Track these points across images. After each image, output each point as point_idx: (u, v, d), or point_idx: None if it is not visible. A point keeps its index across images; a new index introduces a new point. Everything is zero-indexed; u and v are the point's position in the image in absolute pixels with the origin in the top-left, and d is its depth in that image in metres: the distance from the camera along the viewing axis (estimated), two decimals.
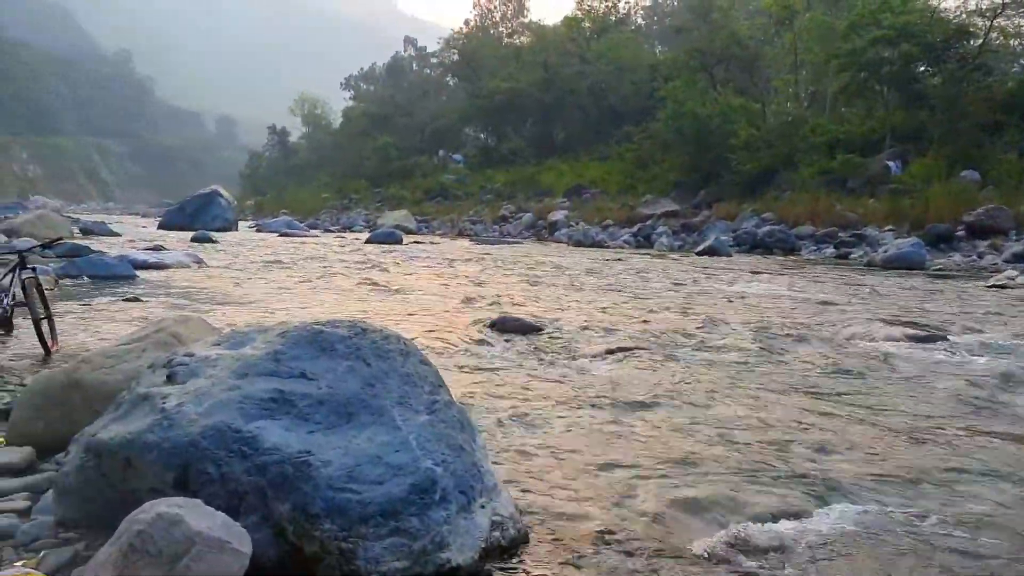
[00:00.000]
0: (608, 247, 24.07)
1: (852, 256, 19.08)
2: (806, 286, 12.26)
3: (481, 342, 6.79)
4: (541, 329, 7.43)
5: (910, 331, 7.35)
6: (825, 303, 10.00)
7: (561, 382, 5.28)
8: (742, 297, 10.65)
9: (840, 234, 21.24)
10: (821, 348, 6.77)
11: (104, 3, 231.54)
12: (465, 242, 26.77)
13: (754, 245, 22.00)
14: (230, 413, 2.55)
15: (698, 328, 7.75)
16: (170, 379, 2.84)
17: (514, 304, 9.48)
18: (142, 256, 14.36)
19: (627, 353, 6.32)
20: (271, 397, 2.65)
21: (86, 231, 24.92)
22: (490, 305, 9.32)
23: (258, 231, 32.40)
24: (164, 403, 2.63)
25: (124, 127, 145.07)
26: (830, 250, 20.44)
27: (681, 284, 12.44)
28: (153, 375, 2.92)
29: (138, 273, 12.33)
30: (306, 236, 28.97)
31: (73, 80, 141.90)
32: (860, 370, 5.83)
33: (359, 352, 2.90)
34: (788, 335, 7.38)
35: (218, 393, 2.64)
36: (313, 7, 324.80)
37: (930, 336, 7.17)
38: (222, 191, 34.15)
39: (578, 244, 25.11)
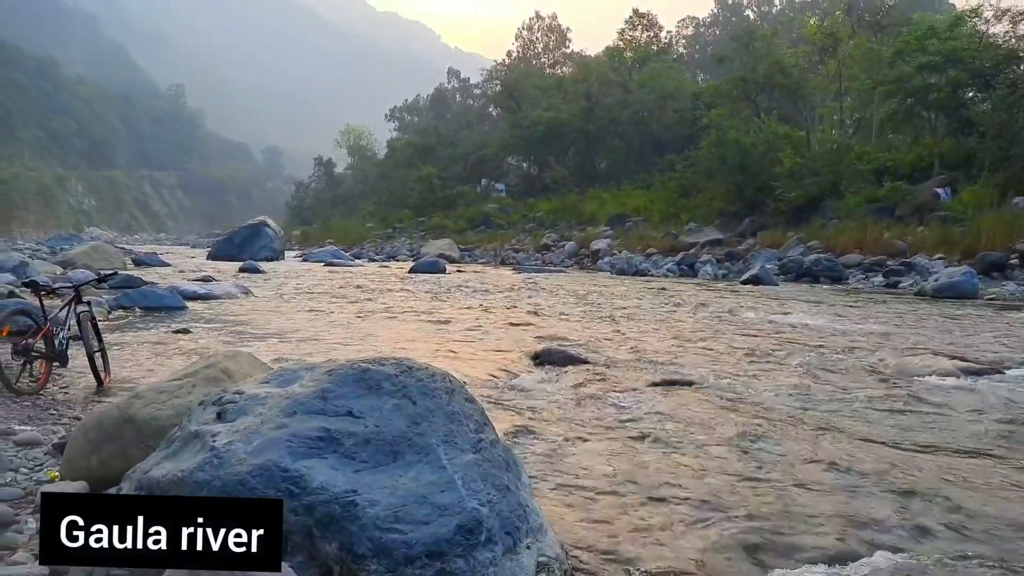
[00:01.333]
0: (651, 276, 23.93)
1: (901, 285, 18.70)
2: (855, 316, 12.04)
3: (525, 375, 6.78)
4: (586, 361, 7.40)
5: (964, 364, 7.17)
6: (875, 334, 9.81)
7: (607, 417, 5.24)
8: (789, 328, 10.49)
9: (889, 263, 20.85)
10: (872, 383, 6.63)
11: (158, 40, 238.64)
12: (508, 271, 26.83)
13: (800, 274, 21.68)
14: (278, 452, 2.58)
15: (745, 361, 7.65)
16: (220, 417, 2.89)
17: (558, 335, 9.46)
18: (192, 287, 14.63)
19: (674, 387, 6.26)
20: (318, 436, 2.67)
21: (138, 262, 25.52)
22: (534, 336, 9.31)
23: (304, 261, 32.83)
24: (214, 441, 2.67)
25: (176, 159, 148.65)
26: (879, 279, 20.07)
27: (726, 314, 12.31)
28: (204, 412, 2.97)
29: (188, 304, 12.56)
30: (351, 266, 29.28)
31: (128, 115, 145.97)
32: (911, 405, 5.70)
33: (405, 390, 2.92)
34: (837, 369, 7.25)
35: (267, 431, 2.67)
36: (359, 41, 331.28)
37: (985, 369, 6.99)
38: (269, 222, 34.78)
39: (621, 273, 24.99)
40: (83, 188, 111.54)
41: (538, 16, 75.03)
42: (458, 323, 10.92)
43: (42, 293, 6.09)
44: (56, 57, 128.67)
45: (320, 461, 2.58)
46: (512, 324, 10.70)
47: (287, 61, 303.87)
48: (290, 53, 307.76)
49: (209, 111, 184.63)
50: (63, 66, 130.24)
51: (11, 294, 11.03)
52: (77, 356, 6.10)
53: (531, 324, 10.75)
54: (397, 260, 35.76)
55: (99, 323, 6.49)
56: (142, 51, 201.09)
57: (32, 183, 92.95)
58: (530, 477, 3.25)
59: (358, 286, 18.23)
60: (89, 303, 6.48)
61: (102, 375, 6.08)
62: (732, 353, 8.17)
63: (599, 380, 6.58)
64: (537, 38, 74.70)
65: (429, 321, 11.21)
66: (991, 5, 27.76)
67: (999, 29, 27.54)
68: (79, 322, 6.06)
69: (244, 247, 31.71)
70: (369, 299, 14.78)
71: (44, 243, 43.83)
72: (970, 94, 27.76)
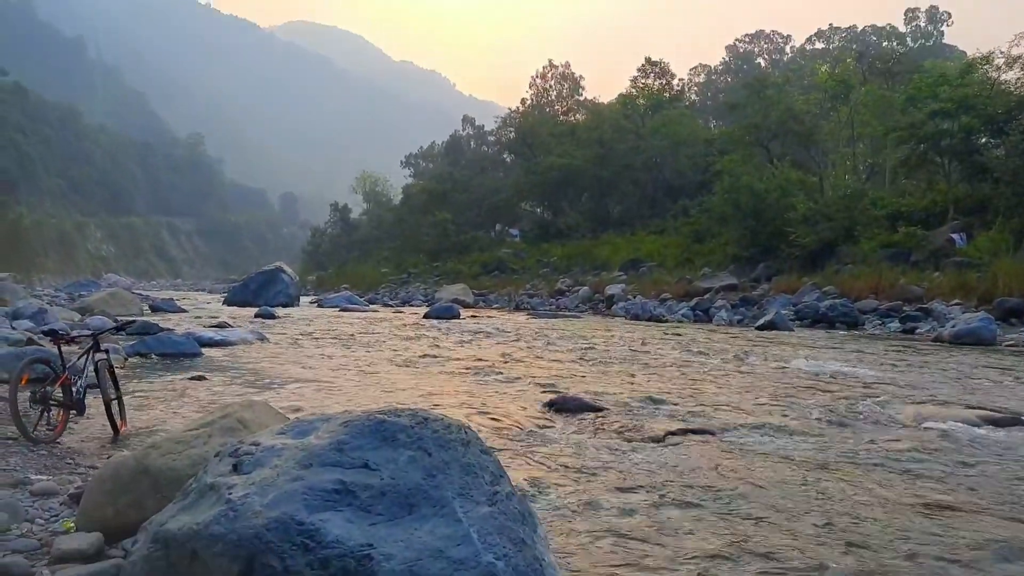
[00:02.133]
0: (666, 321, 23.85)
1: (919, 331, 18.55)
2: (872, 363, 11.95)
3: (540, 423, 6.75)
4: (601, 409, 7.36)
5: (984, 412, 7.09)
6: (894, 382, 9.72)
7: (623, 467, 5.20)
8: (806, 375, 10.42)
9: (905, 308, 20.70)
10: (892, 432, 6.56)
11: (178, 91, 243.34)
12: (522, 316, 26.83)
13: (816, 319, 21.55)
14: (294, 504, 2.57)
15: (762, 408, 7.60)
16: (236, 468, 2.89)
17: (572, 381, 9.43)
18: (208, 333, 14.71)
19: (690, 435, 6.22)
20: (334, 488, 2.67)
21: (155, 308, 25.68)
22: (548, 383, 9.29)
23: (319, 306, 32.95)
24: (230, 493, 2.67)
25: (193, 206, 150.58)
26: (895, 325, 19.92)
27: (742, 360, 12.25)
28: (220, 464, 2.97)
29: (203, 350, 12.62)
30: (366, 311, 29.37)
31: (148, 163, 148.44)
32: (933, 456, 5.63)
33: (421, 442, 2.92)
34: (856, 417, 7.19)
35: (283, 483, 2.67)
36: (376, 90, 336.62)
37: (1007, 419, 6.90)
38: (285, 268, 35.02)
39: (635, 318, 24.93)
40: (102, 234, 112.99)
41: (551, 64, 75.96)
42: (472, 369, 10.91)
43: (61, 341, 6.16)
44: (79, 107, 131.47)
45: (335, 514, 2.57)
46: (526, 370, 10.68)
47: (304, 110, 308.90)
48: (307, 102, 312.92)
49: (227, 159, 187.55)
50: (85, 116, 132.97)
51: (29, 341, 11.13)
52: (94, 404, 6.13)
53: (545, 370, 10.73)
54: (412, 305, 35.85)
55: (116, 370, 6.54)
56: (163, 101, 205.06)
57: (53, 230, 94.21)
58: (545, 531, 3.23)
59: (372, 332, 18.27)
60: (107, 351, 6.53)
61: (118, 423, 6.11)
62: (749, 400, 8.11)
63: (614, 428, 6.54)
64: (551, 86, 75.54)
65: (443, 367, 11.21)
66: (1002, 52, 27.96)
67: (1011, 76, 27.68)
68: (97, 370, 6.10)
69: (260, 293, 31.91)
70: (383, 345, 14.81)
71: (63, 289, 44.29)
72: (983, 140, 27.80)
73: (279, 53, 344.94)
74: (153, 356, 11.82)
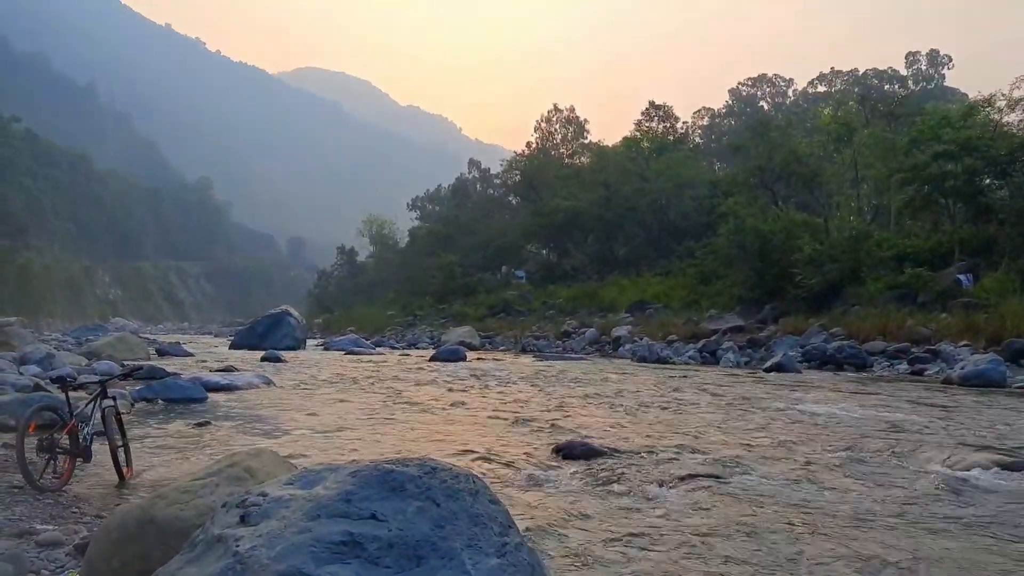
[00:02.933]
0: (673, 363, 23.75)
1: (927, 373, 18.43)
2: (882, 405, 11.86)
3: (548, 469, 6.70)
4: (609, 454, 7.31)
5: (996, 456, 7.02)
6: (904, 425, 9.64)
7: (632, 514, 5.15)
8: (815, 417, 10.35)
9: (913, 350, 20.59)
10: (906, 477, 6.49)
11: (187, 136, 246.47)
12: (528, 358, 26.76)
13: (823, 361, 21.44)
14: (301, 557, 2.56)
15: (772, 452, 7.54)
16: (243, 520, 2.88)
17: (580, 426, 9.38)
18: (214, 378, 14.70)
19: (700, 481, 6.16)
20: (342, 540, 2.65)
21: (161, 352, 25.72)
22: (556, 427, 9.24)
23: (325, 349, 32.94)
24: (237, 546, 2.65)
25: (201, 249, 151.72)
26: (903, 366, 19.80)
27: (750, 403, 12.17)
28: (227, 515, 2.96)
29: (209, 395, 12.61)
30: (372, 354, 29.33)
31: (157, 207, 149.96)
32: (949, 503, 5.56)
33: (429, 492, 2.90)
34: (868, 461, 7.12)
35: (290, 536, 2.66)
36: (383, 134, 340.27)
37: (1021, 463, 6.82)
38: (292, 311, 35.07)
39: (642, 360, 24.84)
40: (110, 279, 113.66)
41: (556, 108, 76.79)
42: (479, 413, 10.87)
43: (68, 388, 6.17)
44: (89, 153, 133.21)
45: (343, 567, 2.55)
46: (534, 414, 10.63)
47: (312, 153, 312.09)
48: (315, 146, 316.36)
49: (235, 202, 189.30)
50: (96, 161, 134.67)
51: (36, 387, 11.14)
52: (100, 451, 6.12)
53: (553, 414, 10.68)
54: (418, 348, 35.80)
55: (122, 416, 6.55)
56: (172, 146, 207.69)
57: (61, 274, 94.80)
58: None
59: (378, 375, 18.24)
60: (115, 398, 6.54)
61: (124, 470, 6.09)
62: (758, 444, 8.05)
63: (623, 474, 6.49)
64: (555, 129, 76.29)
65: (450, 412, 11.17)
66: (1003, 95, 28.19)
67: (1013, 118, 27.89)
68: (104, 417, 6.10)
69: (266, 336, 31.94)
70: (390, 389, 14.77)
71: (70, 333, 44.38)
72: (987, 181, 27.92)
73: (288, 98, 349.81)
74: (159, 401, 11.81)
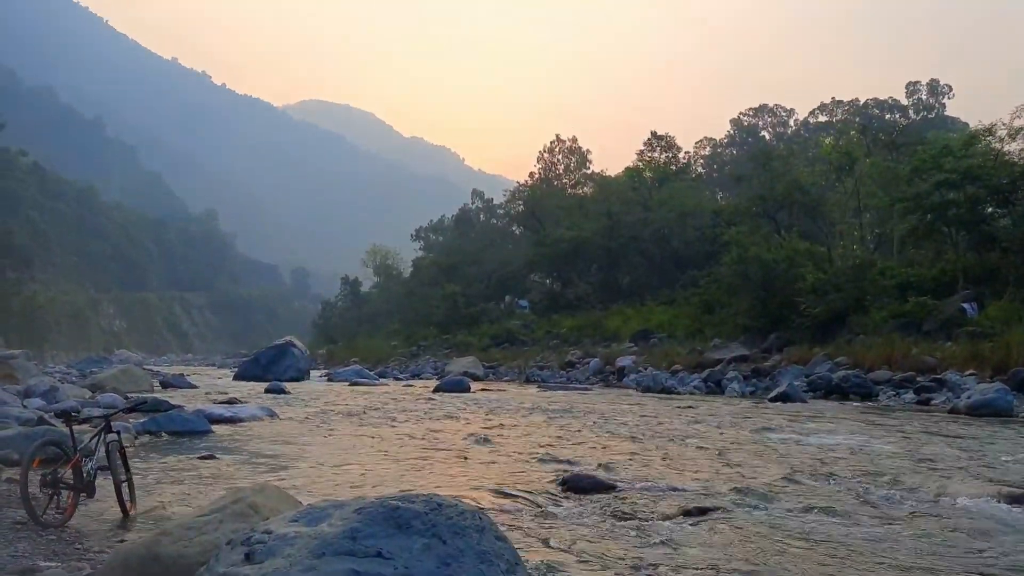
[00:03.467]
0: (678, 393, 23.66)
1: (934, 402, 18.33)
2: (889, 436, 11.79)
3: (554, 503, 6.66)
4: (615, 487, 7.27)
5: (1006, 489, 6.96)
6: (912, 456, 9.58)
7: (639, 548, 5.11)
8: (821, 448, 10.28)
9: (919, 379, 20.49)
10: (915, 509, 6.44)
11: (193, 168, 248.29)
12: (532, 389, 26.68)
13: (829, 391, 21.34)
14: None
15: (778, 484, 7.48)
16: (248, 558, 2.86)
17: (585, 458, 9.33)
18: (218, 410, 14.67)
19: (706, 514, 6.12)
20: None
21: (165, 384, 25.68)
22: (561, 459, 9.19)
23: (329, 380, 32.88)
24: None
25: (206, 280, 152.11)
26: (909, 396, 19.69)
27: (757, 433, 12.10)
28: (232, 552, 2.95)
29: (213, 428, 12.58)
30: (375, 385, 29.27)
31: (162, 239, 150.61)
32: (959, 537, 5.51)
33: (435, 529, 2.89)
34: (877, 493, 7.06)
35: (295, 574, 2.65)
36: (387, 165, 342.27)
37: None
38: (296, 342, 35.07)
39: (647, 390, 24.75)
40: (114, 310, 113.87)
41: (559, 139, 77.17)
42: (484, 446, 10.82)
43: (73, 422, 6.17)
44: (96, 185, 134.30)
45: None
46: (539, 446, 10.58)
47: (317, 185, 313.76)
48: (320, 177, 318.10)
49: (240, 233, 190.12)
50: (102, 193, 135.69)
51: (40, 420, 11.13)
52: (104, 485, 6.09)
53: (557, 446, 10.63)
54: (422, 378, 35.71)
55: (126, 449, 6.54)
56: (177, 178, 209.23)
57: (66, 306, 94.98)
58: None
59: (382, 407, 18.18)
60: (119, 432, 6.53)
61: (127, 505, 6.07)
62: (764, 475, 7.99)
63: (629, 508, 6.44)
64: (558, 160, 76.63)
65: (454, 444, 11.12)
66: (1004, 124, 28.30)
67: (1014, 147, 27.96)
68: (108, 452, 6.09)
69: (270, 367, 31.91)
70: (393, 421, 14.72)
71: (74, 366, 44.38)
72: (989, 210, 27.96)
73: (293, 130, 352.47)
74: (163, 434, 11.78)
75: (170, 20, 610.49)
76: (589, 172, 75.27)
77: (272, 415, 15.16)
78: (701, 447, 10.62)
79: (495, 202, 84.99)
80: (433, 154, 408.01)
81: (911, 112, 76.85)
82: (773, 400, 19.57)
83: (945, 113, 76.12)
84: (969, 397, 16.46)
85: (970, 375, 19.70)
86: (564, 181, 74.75)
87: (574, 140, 77.64)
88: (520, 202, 69.45)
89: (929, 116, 74.70)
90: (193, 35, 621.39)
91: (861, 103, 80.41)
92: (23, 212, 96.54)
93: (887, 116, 75.54)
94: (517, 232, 72.91)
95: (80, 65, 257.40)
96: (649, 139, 62.45)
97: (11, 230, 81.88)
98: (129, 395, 18.45)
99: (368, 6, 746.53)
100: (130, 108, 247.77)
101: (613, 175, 68.65)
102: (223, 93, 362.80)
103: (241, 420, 14.09)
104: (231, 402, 17.38)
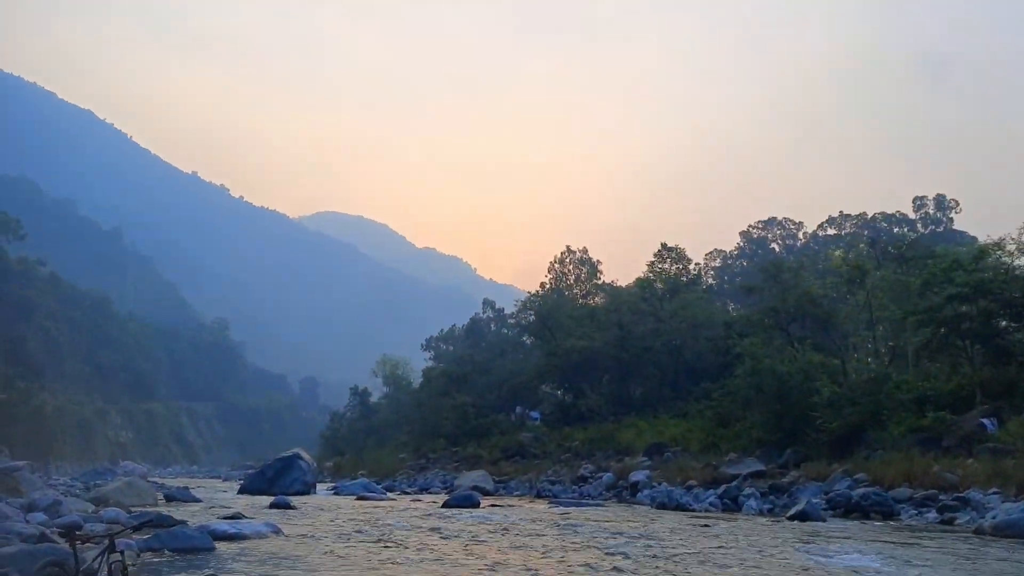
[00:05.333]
0: (694, 510, 23.07)
1: (958, 522, 17.78)
2: (916, 560, 11.36)
3: None
4: None
5: None
6: None
7: None
8: (849, 575, 9.90)
9: (941, 497, 19.91)
10: None
11: (206, 276, 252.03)
12: (544, 504, 26.08)
13: (849, 509, 20.75)
14: None
15: None
16: None
17: None
18: (222, 526, 14.35)
19: None
20: None
21: (169, 498, 25.30)
22: None
23: (336, 493, 32.31)
24: None
25: (214, 390, 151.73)
26: (932, 515, 19.12)
27: (781, 560, 11.69)
28: None
29: (217, 545, 12.28)
30: (383, 499, 28.71)
31: (173, 348, 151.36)
32: None
33: None
34: None
35: None
36: (398, 275, 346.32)
37: None
38: (303, 454, 34.64)
39: (662, 507, 24.16)
40: (121, 420, 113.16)
41: (569, 250, 78.06)
42: (494, 569, 10.48)
43: (76, 540, 6.03)
44: (110, 295, 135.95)
45: None
46: (552, 571, 10.23)
47: (328, 294, 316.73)
48: (333, 288, 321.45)
49: (250, 343, 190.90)
50: (116, 303, 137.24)
51: (43, 536, 10.90)
52: None
53: (571, 571, 10.28)
54: (430, 492, 35.05)
55: (128, 567, 6.36)
56: (192, 288, 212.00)
57: (73, 416, 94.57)
58: None
59: (389, 523, 17.75)
60: (122, 552, 6.36)
61: None
62: None
63: None
64: (569, 270, 77.27)
65: (464, 567, 10.78)
66: (1012, 239, 28.48)
67: (1023, 262, 28.06)
68: (111, 573, 5.92)
69: (276, 480, 31.42)
70: (400, 539, 14.33)
71: (79, 478, 43.86)
72: (1003, 323, 27.83)
73: (307, 241, 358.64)
74: (166, 551, 11.50)
75: (192, 136, 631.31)
76: (600, 282, 75.79)
77: (277, 531, 14.81)
78: (721, 572, 10.24)
79: (506, 312, 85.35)
80: (445, 264, 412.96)
81: (919, 226, 77.74)
82: (792, 519, 19.06)
83: (953, 227, 76.89)
84: (994, 517, 15.99)
85: (993, 493, 19.17)
86: (575, 291, 75.18)
87: (584, 250, 78.52)
88: (531, 312, 69.62)
89: (937, 230, 75.51)
90: (213, 150, 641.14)
91: (869, 216, 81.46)
92: (37, 321, 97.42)
93: (895, 229, 76.42)
94: (528, 342, 72.80)
95: (102, 178, 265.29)
96: (659, 250, 63.09)
97: (24, 339, 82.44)
98: (133, 509, 18.12)
99: (383, 125, 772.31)
100: (149, 219, 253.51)
101: (624, 285, 69.07)
102: (240, 205, 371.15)
103: (246, 537, 13.75)
104: (236, 517, 17.03)
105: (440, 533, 15.58)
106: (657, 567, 10.64)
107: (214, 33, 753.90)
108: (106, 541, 6.25)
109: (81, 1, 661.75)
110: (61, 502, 16.56)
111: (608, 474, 32.98)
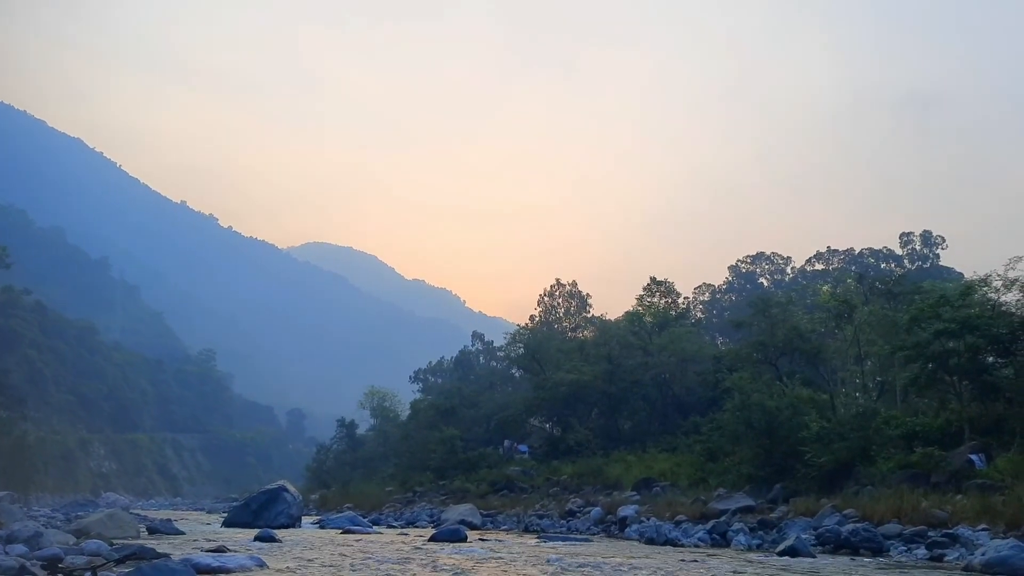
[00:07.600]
0: (683, 546, 22.91)
1: (947, 559, 17.69)
2: None
3: None
4: None
5: None
6: None
7: None
8: None
9: (930, 533, 19.84)
10: None
11: (193, 307, 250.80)
12: (532, 539, 25.81)
13: (838, 545, 20.64)
14: None
15: None
16: None
17: None
18: (205, 559, 14.11)
19: None
20: None
21: (152, 530, 24.91)
22: None
23: (321, 527, 31.91)
24: None
25: (200, 421, 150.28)
26: (922, 551, 19.03)
27: None
28: None
29: None
30: (369, 533, 28.36)
31: (158, 379, 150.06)
32: None
33: None
34: None
35: None
36: (387, 307, 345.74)
37: None
38: (288, 487, 34.23)
39: (650, 542, 23.98)
40: (105, 451, 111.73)
41: (559, 283, 78.39)
42: None
43: (58, 574, 5.91)
44: (96, 324, 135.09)
45: None
46: None
47: (317, 326, 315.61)
48: (320, 319, 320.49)
49: (237, 374, 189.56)
50: (102, 332, 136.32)
51: (22, 568, 10.68)
52: None
53: None
54: (417, 526, 34.67)
55: None
56: (178, 318, 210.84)
57: (56, 446, 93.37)
58: None
59: (375, 557, 17.51)
60: None
61: None
62: None
63: None
64: (558, 303, 77.56)
65: None
66: (998, 275, 28.68)
67: (1010, 298, 28.24)
68: None
69: (261, 513, 31.04)
70: (386, 574, 14.14)
71: (60, 509, 43.24)
72: (991, 359, 27.95)
73: (295, 272, 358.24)
74: None
75: (181, 167, 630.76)
76: (589, 316, 76.05)
77: (262, 565, 14.59)
78: None
79: (495, 344, 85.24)
80: (434, 296, 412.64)
81: (906, 261, 78.39)
82: (781, 554, 18.93)
83: (939, 263, 77.54)
84: (984, 554, 15.92)
85: (982, 530, 19.14)
86: (564, 324, 75.37)
87: (574, 284, 78.89)
88: (520, 345, 69.55)
89: (924, 266, 76.14)
90: (202, 180, 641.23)
91: (856, 252, 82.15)
92: (21, 351, 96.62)
93: (882, 265, 77.03)
94: (517, 375, 72.69)
95: (91, 207, 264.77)
96: (648, 284, 63.32)
97: (8, 369, 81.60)
98: (115, 541, 17.83)
99: (372, 160, 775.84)
100: (137, 249, 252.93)
101: (613, 319, 69.19)
102: (229, 235, 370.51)
103: (229, 570, 13.53)
104: (219, 550, 16.77)
105: (426, 568, 15.38)
106: None
107: (205, 65, 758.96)
108: (88, 574, 6.14)
109: (71, 31, 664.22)
110: (42, 534, 16.25)
111: (597, 508, 32.74)
